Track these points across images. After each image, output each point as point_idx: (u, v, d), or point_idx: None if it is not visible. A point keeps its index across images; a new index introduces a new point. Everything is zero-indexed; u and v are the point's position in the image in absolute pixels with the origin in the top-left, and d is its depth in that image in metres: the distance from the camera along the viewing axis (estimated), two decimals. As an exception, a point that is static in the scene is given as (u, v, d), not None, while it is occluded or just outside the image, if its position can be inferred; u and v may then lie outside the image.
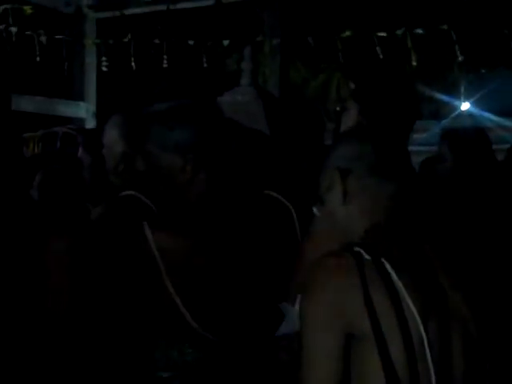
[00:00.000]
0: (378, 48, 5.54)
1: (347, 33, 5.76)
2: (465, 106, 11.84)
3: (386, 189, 1.53)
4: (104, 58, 6.49)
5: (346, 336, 1.38)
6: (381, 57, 5.49)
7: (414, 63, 5.42)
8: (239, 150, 2.43)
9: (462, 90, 12.09)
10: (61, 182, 2.79)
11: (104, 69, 6.47)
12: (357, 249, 1.44)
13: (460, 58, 5.28)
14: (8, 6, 5.65)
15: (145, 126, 1.78)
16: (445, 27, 5.30)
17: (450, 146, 2.94)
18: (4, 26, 5.70)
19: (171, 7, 5.45)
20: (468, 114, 11.57)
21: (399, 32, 5.50)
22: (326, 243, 1.95)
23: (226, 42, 6.00)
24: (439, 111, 11.93)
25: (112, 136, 2.24)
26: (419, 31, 5.44)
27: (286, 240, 2.13)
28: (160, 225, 1.70)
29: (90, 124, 6.78)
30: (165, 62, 6.28)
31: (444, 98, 11.08)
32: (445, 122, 10.61)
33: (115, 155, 2.21)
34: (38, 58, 6.04)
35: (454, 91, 12.02)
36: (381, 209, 1.53)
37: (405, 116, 2.19)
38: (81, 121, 6.74)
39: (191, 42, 6.25)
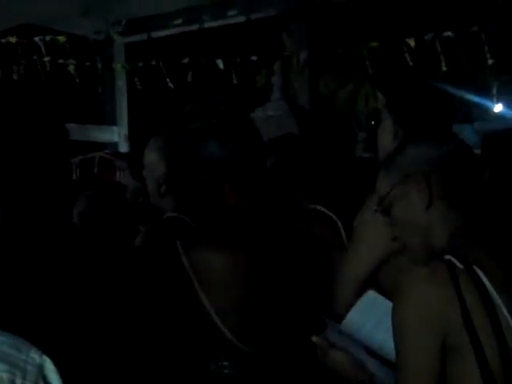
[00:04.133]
0: (406, 55, 5.51)
1: (374, 43, 5.74)
2: (498, 107, 11.72)
3: (464, 192, 1.48)
4: (136, 79, 6.54)
5: (441, 350, 1.34)
6: (410, 63, 5.46)
7: (444, 68, 5.36)
8: (279, 165, 2.42)
9: (495, 91, 11.98)
10: (101, 207, 2.81)
11: (139, 87, 6.51)
12: (447, 257, 1.38)
13: (490, 61, 5.22)
14: (41, 38, 5.76)
15: (180, 145, 1.78)
16: (475, 29, 5.25)
17: (494, 149, 2.90)
18: (37, 56, 5.81)
19: (199, 27, 5.50)
20: (501, 115, 11.45)
21: (428, 37, 5.47)
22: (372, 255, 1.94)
23: (254, 58, 6.02)
24: (471, 114, 11.83)
25: (153, 158, 2.24)
26: (448, 34, 5.40)
27: (333, 253, 2.11)
28: (195, 242, 1.69)
29: (123, 148, 6.84)
30: (189, 79, 6.32)
31: (476, 100, 10.99)
32: (478, 125, 10.50)
33: (157, 177, 2.21)
34: (69, 86, 6.13)
35: (485, 94, 11.91)
36: (463, 212, 1.47)
37: (440, 120, 2.17)
38: (114, 145, 6.80)
39: (219, 61, 6.29)
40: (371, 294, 1.78)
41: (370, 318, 1.73)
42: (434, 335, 1.33)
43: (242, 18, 5.58)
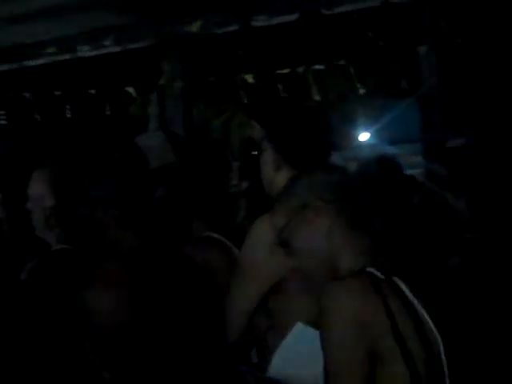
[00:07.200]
0: (279, 85, 5.67)
1: (248, 74, 5.87)
2: (363, 136, 12.25)
3: (364, 212, 1.56)
4: (2, 112, 6.34)
5: (371, 359, 1.38)
6: (283, 94, 5.62)
7: (318, 97, 5.57)
8: (168, 195, 2.42)
9: (360, 121, 12.51)
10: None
11: (3, 122, 6.32)
12: (369, 269, 1.44)
13: (361, 91, 5.48)
14: None
15: (70, 179, 1.76)
16: (343, 62, 5.49)
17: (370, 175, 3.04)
18: None
19: (73, 56, 5.40)
20: (367, 143, 11.98)
21: (300, 69, 5.66)
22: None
23: (129, 88, 5.99)
24: (339, 143, 12.25)
25: (40, 190, 2.18)
26: (319, 67, 5.61)
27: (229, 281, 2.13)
28: (80, 280, 1.65)
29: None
30: (68, 112, 6.21)
31: (343, 129, 11.43)
32: (345, 153, 10.89)
33: (44, 209, 2.15)
34: None
35: (351, 123, 12.40)
36: (368, 232, 1.54)
37: (319, 148, 2.25)
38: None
39: (93, 91, 6.22)
40: (299, 327, 1.77)
41: (299, 354, 1.71)
42: (363, 343, 1.38)
43: (117, 48, 5.54)
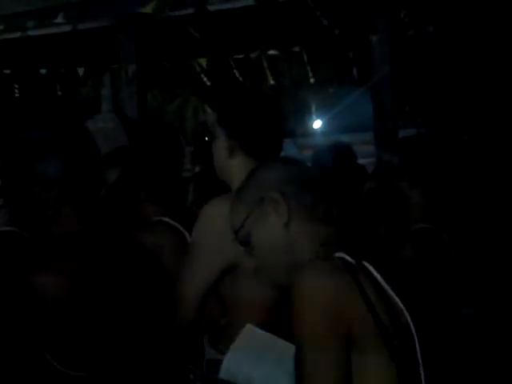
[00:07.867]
0: (235, 71, 5.66)
1: (203, 58, 5.84)
2: (317, 124, 12.37)
3: (316, 202, 1.54)
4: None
5: (347, 344, 1.36)
6: (239, 79, 5.61)
7: (271, 82, 5.58)
8: (122, 178, 2.39)
9: (313, 109, 12.60)
10: None
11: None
12: (339, 254, 1.43)
13: (312, 80, 5.50)
14: None
15: (17, 158, 1.70)
16: (297, 49, 5.50)
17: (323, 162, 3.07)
18: None
19: (23, 35, 5.27)
20: (320, 131, 12.11)
21: (254, 55, 5.65)
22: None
23: (81, 70, 5.89)
24: (293, 130, 12.33)
25: (-14, 169, 2.11)
26: (273, 53, 5.62)
27: (180, 265, 2.11)
28: (27, 266, 1.61)
29: None
30: (16, 91, 6.08)
31: (297, 117, 11.49)
32: (299, 141, 10.99)
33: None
34: None
35: (305, 110, 12.49)
36: (326, 223, 1.52)
37: (272, 135, 2.24)
38: None
39: (43, 71, 6.10)
40: (248, 329, 1.76)
41: (248, 356, 1.70)
42: (339, 326, 1.36)
43: (68, 28, 5.43)
